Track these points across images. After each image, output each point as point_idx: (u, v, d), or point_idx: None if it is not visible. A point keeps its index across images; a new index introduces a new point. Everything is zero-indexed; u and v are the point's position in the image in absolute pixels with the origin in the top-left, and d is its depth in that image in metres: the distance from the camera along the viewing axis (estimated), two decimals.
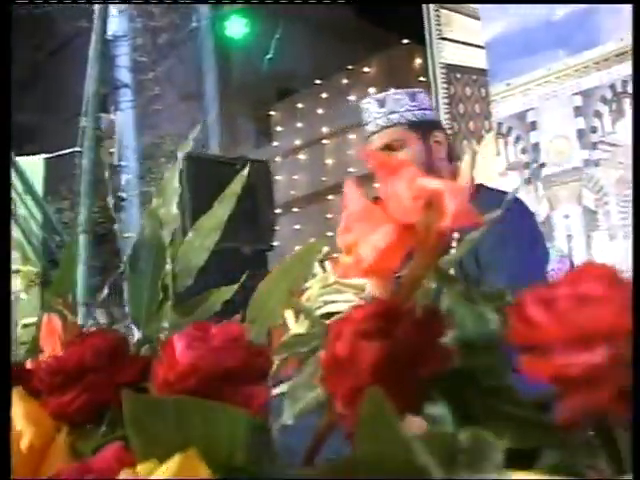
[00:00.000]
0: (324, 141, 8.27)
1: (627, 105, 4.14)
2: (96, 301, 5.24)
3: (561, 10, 4.40)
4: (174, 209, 0.79)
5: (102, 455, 0.53)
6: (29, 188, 5.02)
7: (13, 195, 4.92)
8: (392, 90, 2.08)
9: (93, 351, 0.62)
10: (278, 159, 8.68)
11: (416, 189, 0.46)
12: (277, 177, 8.47)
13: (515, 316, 0.35)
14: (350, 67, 7.93)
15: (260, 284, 0.70)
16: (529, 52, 4.50)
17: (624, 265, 3.75)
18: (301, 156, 8.49)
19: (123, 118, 5.70)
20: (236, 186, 0.82)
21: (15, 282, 1.01)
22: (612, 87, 4.20)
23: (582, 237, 4.19)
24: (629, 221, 4.01)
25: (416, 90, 2.12)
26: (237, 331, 0.55)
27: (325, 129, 8.25)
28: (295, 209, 8.13)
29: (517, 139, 4.49)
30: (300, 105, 8.50)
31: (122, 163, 5.68)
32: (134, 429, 0.48)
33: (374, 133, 2.02)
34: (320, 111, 8.30)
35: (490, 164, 4.60)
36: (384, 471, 0.34)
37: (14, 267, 1.05)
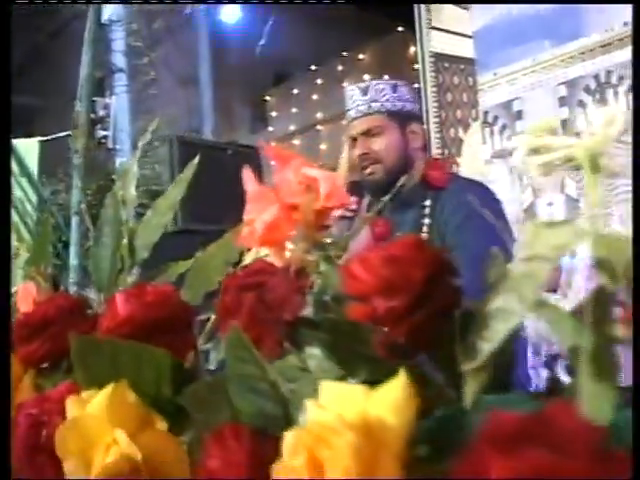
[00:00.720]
0: (318, 127, 8.39)
1: (610, 95, 4.25)
2: (88, 279, 5.37)
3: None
4: (132, 191, 0.91)
5: (57, 389, 0.67)
6: (24, 170, 5.13)
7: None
8: (375, 80, 2.22)
9: (55, 308, 0.76)
10: (273, 144, 8.79)
11: (300, 176, 0.59)
12: (273, 162, 8.58)
13: (345, 272, 0.48)
14: (345, 54, 8.03)
15: (199, 255, 0.83)
16: (516, 42, 4.60)
17: None
18: (296, 141, 8.61)
19: (118, 102, 5.80)
20: (189, 171, 0.95)
21: None
22: (596, 77, 4.30)
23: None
24: (610, 209, 4.14)
25: (399, 82, 2.25)
26: (168, 291, 0.68)
27: (320, 115, 8.37)
28: None
29: (503, 128, 4.60)
30: (295, 91, 8.62)
31: (117, 147, 5.79)
32: (78, 363, 0.61)
33: (355, 119, 2.17)
34: (315, 97, 8.41)
35: (476, 152, 4.71)
36: (246, 385, 0.48)
37: None
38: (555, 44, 4.45)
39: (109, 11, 5.75)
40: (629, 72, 4.22)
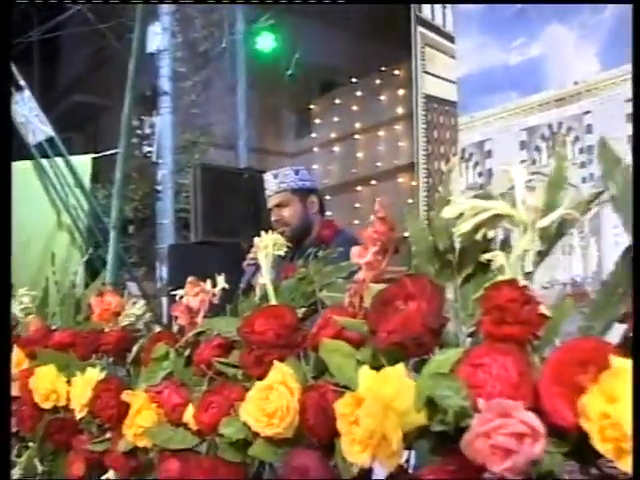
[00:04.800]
0: (356, 136, 9.61)
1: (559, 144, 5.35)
2: (132, 276, 6.83)
3: (517, 57, 5.65)
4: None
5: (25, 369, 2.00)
6: (78, 182, 6.60)
7: (65, 188, 6.45)
8: (283, 168, 3.45)
9: (40, 334, 2.07)
10: (316, 149, 10.06)
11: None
12: (314, 166, 9.88)
13: (244, 326, 1.78)
14: (383, 69, 9.21)
15: None
16: (490, 91, 5.77)
17: (548, 277, 5.03)
18: (336, 148, 9.86)
19: (162, 121, 7.20)
20: (99, 281, 2.24)
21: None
22: (550, 127, 5.44)
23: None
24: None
25: (300, 168, 3.47)
26: (70, 332, 1.99)
27: (358, 125, 9.59)
28: (327, 197, 9.49)
29: (476, 164, 5.77)
30: (337, 101, 9.84)
31: (159, 161, 7.19)
32: (39, 356, 1.93)
33: (270, 196, 3.40)
34: (355, 108, 9.62)
35: (454, 183, 5.90)
36: None
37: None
38: (520, 95, 5.59)
39: (157, 42, 7.14)
40: (576, 124, 5.35)
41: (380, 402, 0.94)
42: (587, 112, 5.23)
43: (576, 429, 0.78)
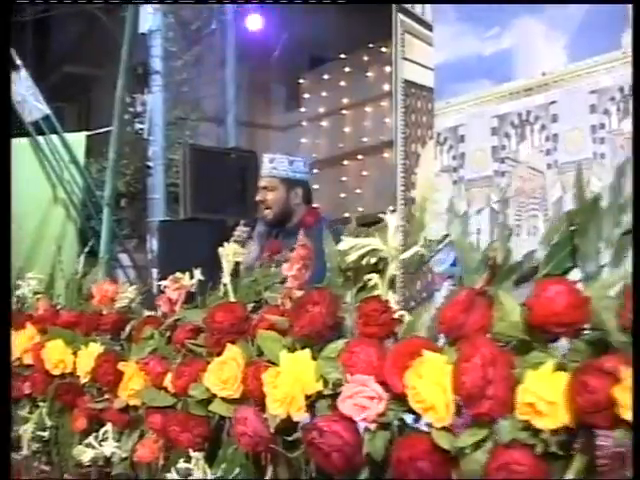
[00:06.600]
0: (344, 111, 10.08)
1: (528, 131, 5.84)
2: (123, 248, 7.40)
3: (491, 47, 6.09)
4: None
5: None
6: (73, 158, 7.09)
7: (60, 163, 6.92)
8: (280, 155, 3.89)
9: (50, 314, 2.58)
10: (304, 123, 10.53)
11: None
12: (302, 140, 10.34)
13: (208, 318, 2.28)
14: (371, 45, 9.64)
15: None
16: (464, 78, 6.21)
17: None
18: (323, 123, 10.32)
19: (154, 100, 7.65)
20: None
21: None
22: (519, 115, 5.89)
23: (487, 230, 5.96)
24: (521, 222, 5.76)
25: (297, 158, 3.92)
26: (73, 313, 2.50)
27: (345, 100, 10.05)
28: (315, 170, 9.97)
29: (450, 148, 6.23)
30: (326, 76, 10.29)
31: (151, 138, 7.66)
32: (50, 333, 2.44)
33: (262, 177, 3.86)
34: (343, 83, 10.07)
35: (429, 165, 6.38)
36: None
37: None
38: (493, 83, 6.04)
39: (149, 22, 7.58)
40: (543, 113, 5.80)
41: (292, 374, 1.44)
42: (553, 102, 5.67)
43: (405, 396, 1.29)
